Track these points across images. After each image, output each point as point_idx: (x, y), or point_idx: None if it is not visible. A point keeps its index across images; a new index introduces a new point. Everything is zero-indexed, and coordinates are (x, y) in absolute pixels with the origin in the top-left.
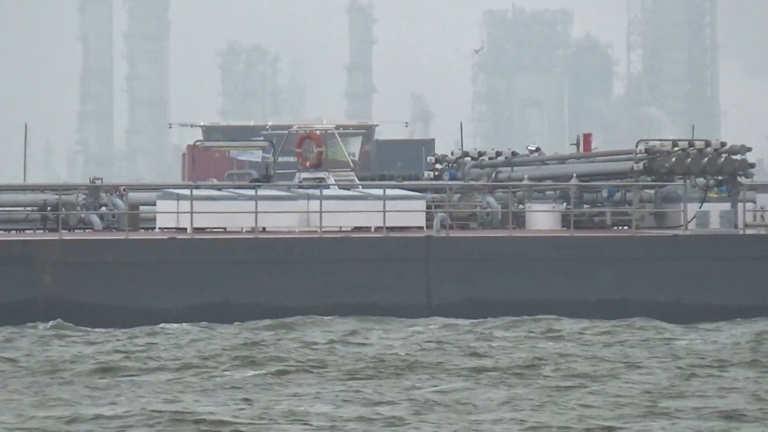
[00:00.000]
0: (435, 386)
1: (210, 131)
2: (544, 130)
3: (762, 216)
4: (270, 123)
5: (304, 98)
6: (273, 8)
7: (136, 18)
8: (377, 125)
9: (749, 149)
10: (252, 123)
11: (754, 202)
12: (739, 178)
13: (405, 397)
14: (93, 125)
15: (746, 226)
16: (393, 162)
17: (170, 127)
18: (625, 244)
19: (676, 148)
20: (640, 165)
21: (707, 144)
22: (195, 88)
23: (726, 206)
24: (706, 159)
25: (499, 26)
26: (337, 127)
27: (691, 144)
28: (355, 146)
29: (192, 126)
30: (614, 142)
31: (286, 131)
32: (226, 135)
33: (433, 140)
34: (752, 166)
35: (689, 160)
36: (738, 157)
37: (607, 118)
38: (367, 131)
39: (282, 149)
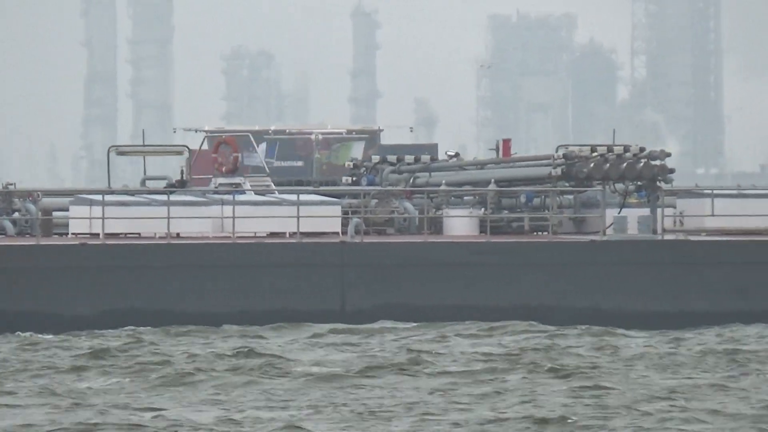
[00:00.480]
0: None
1: (214, 136)
2: (549, 134)
3: (681, 221)
4: (273, 127)
5: (308, 103)
6: (277, 13)
7: (140, 23)
8: (382, 130)
9: (668, 154)
10: (257, 127)
11: (674, 207)
12: (658, 184)
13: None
14: (97, 130)
15: (664, 231)
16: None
17: (174, 131)
18: (541, 249)
19: (594, 154)
20: (558, 170)
21: (626, 149)
22: (199, 93)
23: (645, 212)
24: (624, 164)
25: (504, 31)
26: (349, 132)
27: (609, 149)
28: (358, 151)
29: (197, 131)
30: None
31: (288, 135)
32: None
33: (436, 145)
34: (671, 171)
35: (608, 165)
36: (657, 162)
37: (611, 123)
38: (371, 136)
39: (198, 155)
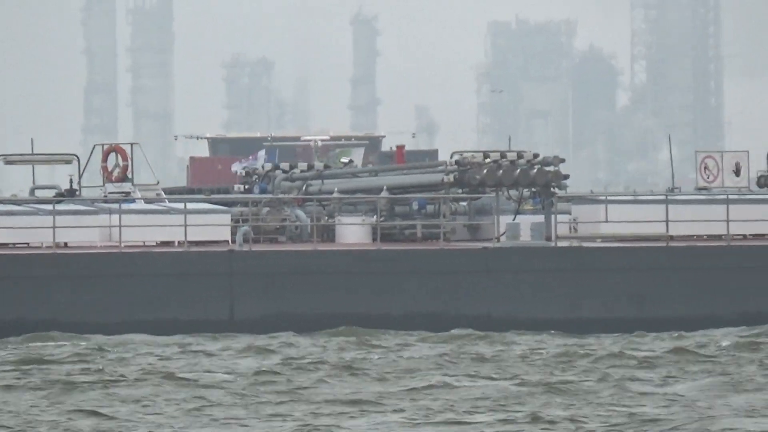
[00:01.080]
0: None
1: (216, 143)
2: (549, 140)
3: (575, 228)
4: (272, 134)
5: (308, 111)
6: (277, 20)
7: (140, 31)
8: (384, 136)
9: (562, 160)
10: (258, 134)
11: (569, 213)
12: (552, 190)
13: None
14: (97, 139)
15: (558, 238)
16: None
17: (176, 138)
18: (432, 257)
19: (487, 160)
20: (451, 177)
21: (519, 155)
22: (199, 101)
23: (540, 218)
24: (518, 170)
25: (504, 37)
26: (348, 138)
27: (503, 155)
28: (357, 157)
29: (198, 138)
30: (619, 152)
31: (287, 142)
32: (233, 147)
33: (436, 151)
34: (566, 177)
35: (501, 171)
36: (551, 168)
37: (611, 129)
38: (371, 142)
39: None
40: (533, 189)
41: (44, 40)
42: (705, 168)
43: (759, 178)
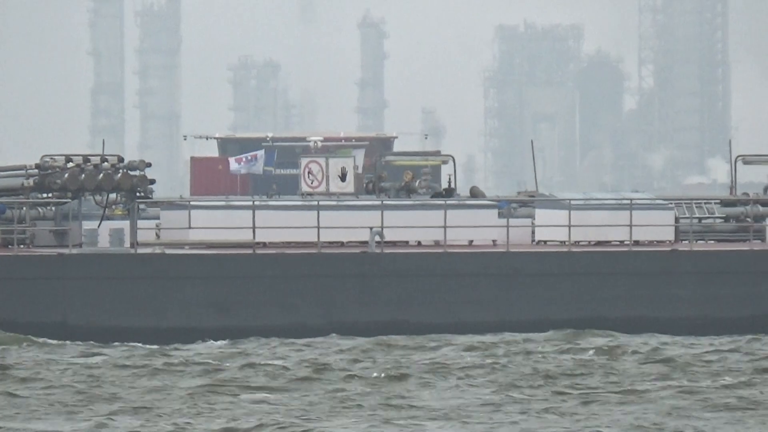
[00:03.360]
0: None
1: (225, 143)
2: (555, 144)
3: (158, 234)
4: (271, 134)
5: (315, 113)
6: (284, 23)
7: (148, 33)
8: (396, 137)
9: (149, 165)
10: (266, 134)
11: (158, 218)
12: (138, 195)
13: None
14: (105, 140)
15: (141, 244)
16: (399, 174)
17: (185, 138)
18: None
19: (70, 164)
20: (31, 181)
21: (104, 159)
22: (206, 103)
23: (123, 224)
24: (102, 175)
25: (511, 41)
26: (348, 139)
27: (86, 159)
28: (358, 159)
29: (207, 138)
30: (626, 156)
31: (288, 143)
32: (242, 147)
33: (438, 152)
34: (152, 182)
35: (83, 176)
36: (137, 173)
37: (618, 133)
38: (382, 143)
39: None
40: (120, 193)
41: (52, 41)
42: (309, 173)
43: (366, 183)
